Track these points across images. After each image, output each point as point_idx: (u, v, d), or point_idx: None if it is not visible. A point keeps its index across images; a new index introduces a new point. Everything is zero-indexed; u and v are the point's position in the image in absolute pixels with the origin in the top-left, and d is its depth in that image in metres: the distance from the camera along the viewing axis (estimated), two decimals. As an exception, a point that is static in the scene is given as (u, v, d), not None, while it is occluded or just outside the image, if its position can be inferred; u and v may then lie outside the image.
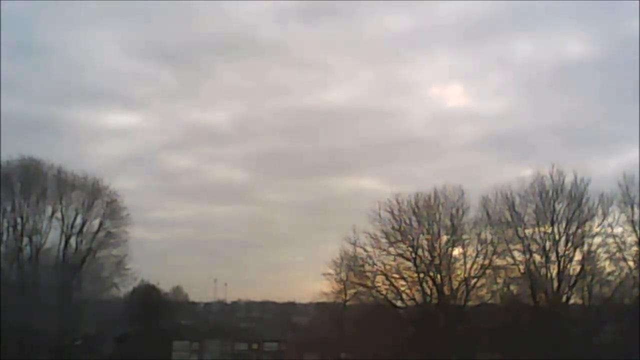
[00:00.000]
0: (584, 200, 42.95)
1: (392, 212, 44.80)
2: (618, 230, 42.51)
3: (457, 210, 44.50)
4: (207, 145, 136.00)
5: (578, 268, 42.92)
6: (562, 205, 43.25)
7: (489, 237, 44.24)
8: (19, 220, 48.73)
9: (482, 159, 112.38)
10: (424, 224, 44.77)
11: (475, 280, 44.24)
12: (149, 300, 64.98)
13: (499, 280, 44.41)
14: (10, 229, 48.75)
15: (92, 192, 50.84)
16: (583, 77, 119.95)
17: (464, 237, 44.73)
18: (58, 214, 49.80)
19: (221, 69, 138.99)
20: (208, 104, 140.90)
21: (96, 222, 50.79)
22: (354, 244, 45.20)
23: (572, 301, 43.56)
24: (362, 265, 45.86)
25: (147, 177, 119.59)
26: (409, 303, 45.82)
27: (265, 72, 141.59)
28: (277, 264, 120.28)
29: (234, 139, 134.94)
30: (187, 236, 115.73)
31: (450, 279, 44.56)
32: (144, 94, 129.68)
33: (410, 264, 44.82)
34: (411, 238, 44.66)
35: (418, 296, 45.22)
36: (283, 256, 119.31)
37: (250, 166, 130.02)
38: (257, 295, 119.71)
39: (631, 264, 42.58)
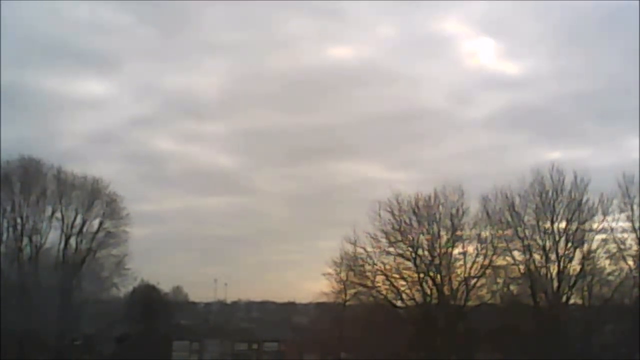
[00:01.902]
0: (584, 200, 42.99)
1: (392, 212, 44.78)
2: (618, 230, 42.61)
3: (457, 210, 44.45)
4: (191, 119, 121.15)
5: (578, 268, 42.90)
6: (562, 205, 43.25)
7: (489, 237, 44.24)
8: (19, 220, 48.85)
9: (504, 139, 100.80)
10: (424, 224, 44.73)
11: (475, 280, 44.21)
12: (149, 300, 64.93)
13: (499, 280, 44.39)
14: (10, 229, 48.87)
15: (92, 192, 50.98)
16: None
17: (464, 237, 44.74)
18: (58, 214, 50.01)
19: (206, 15, 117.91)
20: (190, 62, 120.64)
21: (96, 222, 51.08)
22: (354, 243, 45.25)
23: (572, 301, 43.56)
24: (362, 265, 45.81)
25: (125, 160, 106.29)
26: (409, 303, 45.78)
27: (261, 19, 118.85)
28: (277, 262, 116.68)
29: (221, 111, 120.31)
30: (177, 232, 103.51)
31: (450, 279, 44.52)
32: (115, 52, 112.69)
33: (410, 264, 44.77)
34: (411, 238, 44.61)
35: (418, 296, 45.18)
36: (283, 254, 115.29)
37: (241, 148, 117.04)
38: (257, 295, 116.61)
39: (631, 264, 42.56)
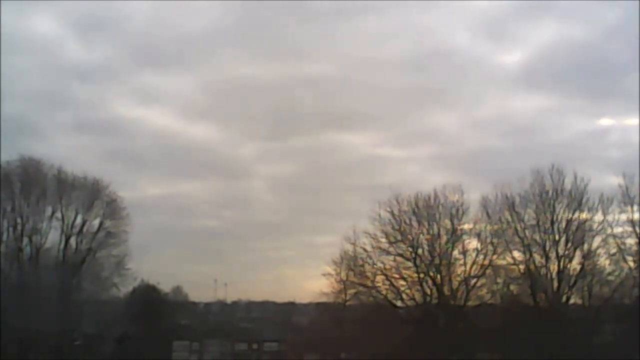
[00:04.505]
0: (584, 200, 43.02)
1: (392, 212, 44.86)
2: (618, 230, 42.62)
3: (457, 210, 44.53)
4: (153, 68, 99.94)
5: (578, 268, 42.93)
6: (562, 205, 43.30)
7: (489, 237, 44.30)
8: (19, 220, 48.79)
9: (543, 99, 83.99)
10: (424, 224, 44.78)
11: (475, 280, 44.27)
12: (149, 300, 64.94)
13: (499, 280, 44.43)
14: (10, 229, 48.82)
15: (92, 192, 50.97)
16: None
17: (464, 237, 44.80)
18: (58, 214, 49.94)
19: None
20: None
21: (96, 222, 51.02)
22: (354, 243, 45.32)
23: (572, 301, 43.59)
24: (362, 265, 45.91)
25: (80, 131, 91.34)
26: (409, 303, 45.83)
27: None
28: (274, 260, 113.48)
29: (191, 57, 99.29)
30: (160, 225, 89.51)
31: (450, 279, 44.56)
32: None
33: (410, 264, 44.81)
34: (411, 238, 44.66)
35: (418, 296, 45.22)
36: (280, 251, 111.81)
37: (220, 113, 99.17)
38: (257, 295, 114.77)
39: (631, 264, 42.61)
